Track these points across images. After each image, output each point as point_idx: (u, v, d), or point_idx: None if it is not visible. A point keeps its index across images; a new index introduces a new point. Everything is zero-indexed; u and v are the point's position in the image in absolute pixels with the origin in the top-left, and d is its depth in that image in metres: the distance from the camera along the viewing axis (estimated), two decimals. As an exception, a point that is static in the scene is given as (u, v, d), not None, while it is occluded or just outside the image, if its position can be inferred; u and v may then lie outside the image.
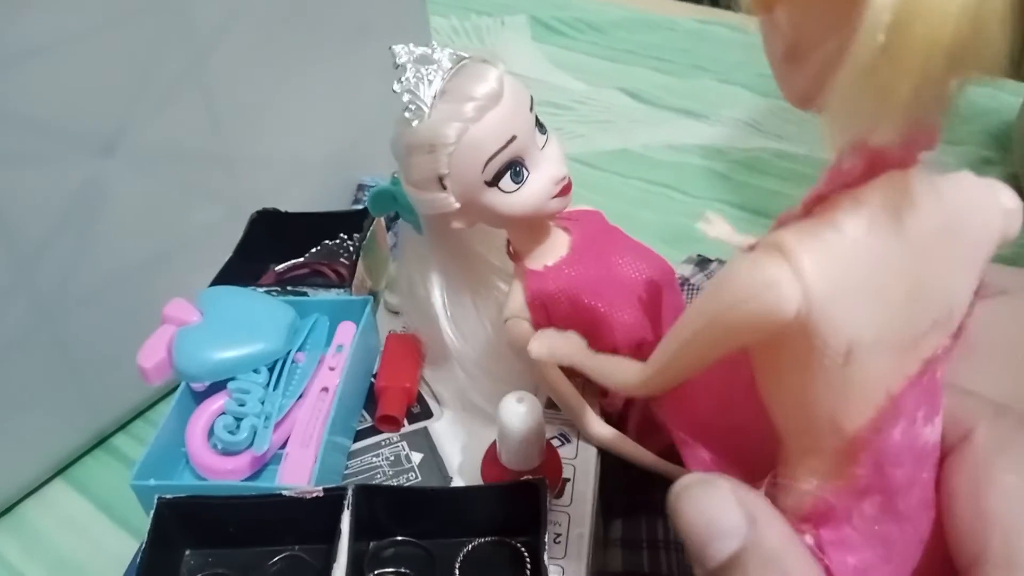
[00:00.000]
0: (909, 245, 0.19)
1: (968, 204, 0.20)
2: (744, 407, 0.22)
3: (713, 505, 0.20)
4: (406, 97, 0.32)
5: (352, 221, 0.50)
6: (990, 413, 0.22)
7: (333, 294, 0.44)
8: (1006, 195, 0.21)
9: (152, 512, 0.34)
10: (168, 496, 0.34)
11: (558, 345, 0.31)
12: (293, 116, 0.55)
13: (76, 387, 0.47)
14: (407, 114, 0.32)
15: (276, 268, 0.49)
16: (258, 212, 0.49)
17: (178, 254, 0.49)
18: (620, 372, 0.27)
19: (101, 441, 0.50)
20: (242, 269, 0.46)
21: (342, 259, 0.49)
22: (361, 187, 0.60)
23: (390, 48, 0.34)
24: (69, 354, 0.45)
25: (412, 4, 0.64)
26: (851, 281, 0.19)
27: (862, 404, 0.20)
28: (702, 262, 0.55)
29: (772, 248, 0.19)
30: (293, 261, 0.49)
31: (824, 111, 0.17)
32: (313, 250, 0.50)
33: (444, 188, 0.33)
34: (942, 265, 0.20)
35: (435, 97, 0.32)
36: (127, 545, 0.43)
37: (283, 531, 0.35)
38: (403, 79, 0.33)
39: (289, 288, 0.45)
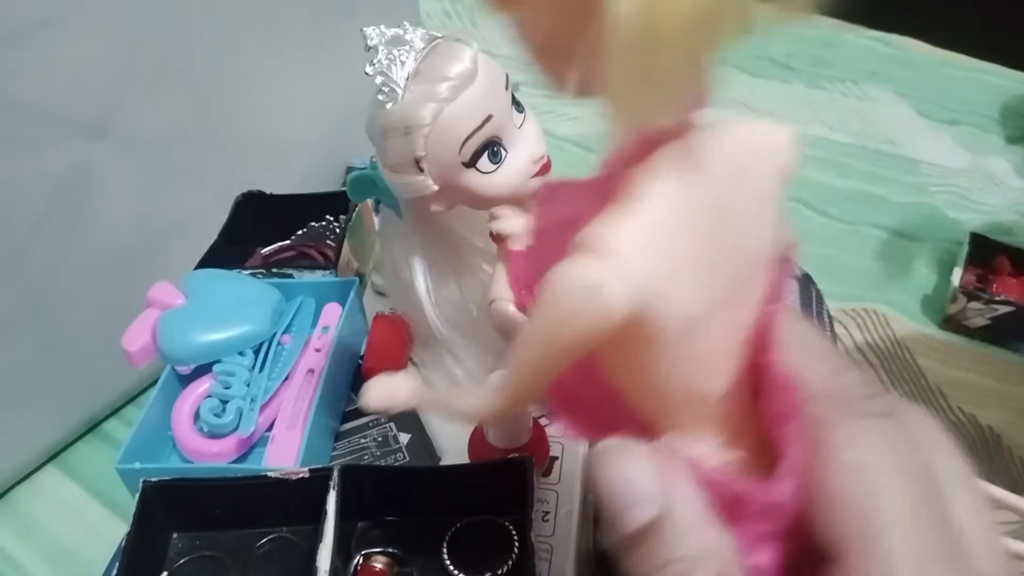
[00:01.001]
0: (708, 206, 0.19)
1: (747, 150, 0.20)
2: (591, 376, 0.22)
3: (630, 470, 0.20)
4: (379, 79, 0.32)
5: (338, 202, 0.49)
6: (823, 375, 0.21)
7: (318, 276, 0.44)
8: (776, 130, 0.20)
9: (137, 495, 0.33)
10: (153, 479, 0.34)
11: (397, 392, 0.27)
12: (282, 98, 0.55)
13: (67, 372, 0.46)
14: (380, 96, 0.32)
15: (262, 251, 0.49)
16: (243, 195, 0.49)
17: (167, 238, 0.49)
18: (466, 403, 0.25)
19: (93, 427, 0.50)
20: (228, 252, 0.46)
21: (328, 241, 0.48)
22: (351, 169, 0.59)
23: (361, 30, 0.33)
24: (59, 339, 0.45)
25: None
26: (667, 257, 0.18)
27: (716, 367, 0.20)
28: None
29: (584, 250, 0.18)
30: (279, 244, 0.49)
31: (603, 103, 0.17)
32: (299, 232, 0.50)
33: (421, 171, 0.33)
34: (740, 216, 0.19)
35: (408, 78, 0.32)
36: (119, 530, 0.42)
37: (270, 513, 0.35)
38: (375, 61, 0.32)
39: (274, 271, 0.44)
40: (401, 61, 0.32)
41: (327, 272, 0.44)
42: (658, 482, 0.19)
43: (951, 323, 0.51)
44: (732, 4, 0.15)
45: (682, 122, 0.18)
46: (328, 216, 0.50)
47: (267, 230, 0.49)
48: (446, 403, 0.27)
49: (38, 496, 0.46)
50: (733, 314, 0.20)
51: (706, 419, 0.21)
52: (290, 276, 0.44)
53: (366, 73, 0.32)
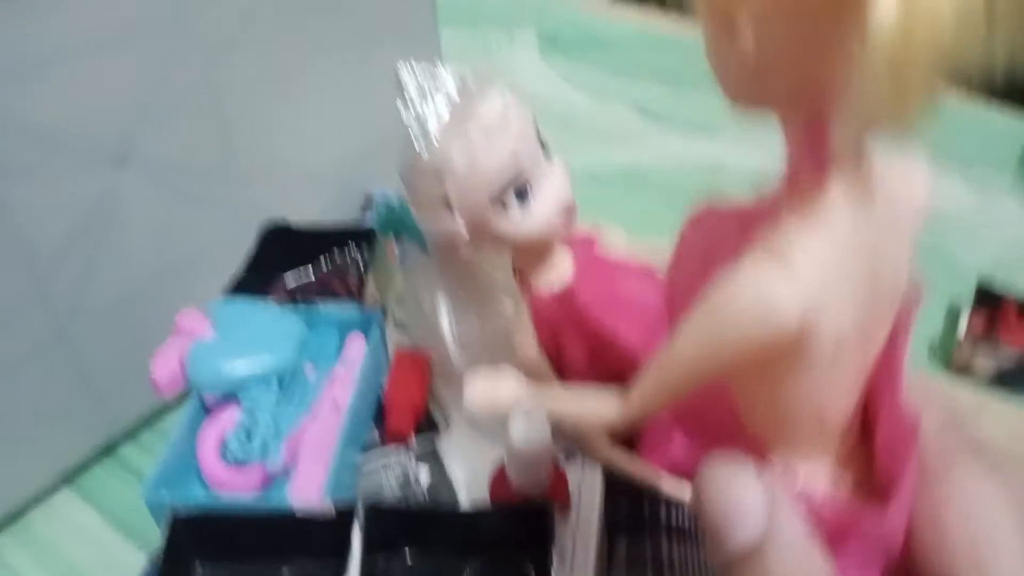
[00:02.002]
0: (866, 233, 0.19)
1: (900, 184, 0.20)
2: (708, 397, 0.22)
3: (740, 489, 0.20)
4: (411, 121, 0.33)
5: (361, 235, 0.50)
6: (936, 428, 0.22)
7: (342, 307, 0.44)
8: (921, 169, 0.21)
9: (166, 525, 0.34)
10: (182, 510, 0.34)
11: (499, 394, 0.29)
12: (302, 127, 0.56)
13: (87, 396, 0.47)
14: (412, 138, 0.33)
15: (287, 283, 0.49)
16: (268, 225, 0.49)
17: (189, 265, 0.50)
18: (596, 406, 0.25)
19: (109, 450, 0.50)
20: (252, 282, 0.47)
21: (351, 272, 0.49)
22: (369, 198, 0.60)
23: (395, 69, 0.34)
24: (80, 364, 0.46)
25: (422, 16, 0.64)
26: (831, 277, 0.19)
27: (844, 396, 0.21)
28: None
29: (763, 259, 0.19)
30: (304, 276, 0.50)
31: (838, 111, 0.17)
32: (323, 263, 0.50)
33: (451, 211, 0.33)
34: (890, 246, 0.20)
35: (440, 121, 0.33)
36: (134, 555, 0.43)
37: (294, 546, 0.35)
38: (408, 101, 0.33)
39: (301, 302, 0.45)
40: (434, 102, 0.33)
41: (350, 305, 0.45)
42: (765, 504, 0.19)
43: (958, 370, 0.51)
44: (967, 37, 0.16)
45: (862, 152, 0.19)
46: (352, 248, 0.50)
47: (291, 260, 0.50)
48: (561, 409, 0.27)
49: (53, 519, 0.47)
50: (869, 345, 0.21)
51: (821, 444, 0.21)
52: (314, 306, 0.45)
53: (398, 114, 0.33)
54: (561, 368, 0.38)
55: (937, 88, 0.16)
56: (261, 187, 0.53)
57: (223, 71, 0.48)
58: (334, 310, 0.45)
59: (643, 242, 0.40)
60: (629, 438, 0.39)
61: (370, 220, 0.57)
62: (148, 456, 0.49)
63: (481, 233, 0.34)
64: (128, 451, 0.50)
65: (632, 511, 0.39)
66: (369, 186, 0.61)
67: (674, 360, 0.21)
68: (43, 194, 0.41)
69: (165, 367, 0.38)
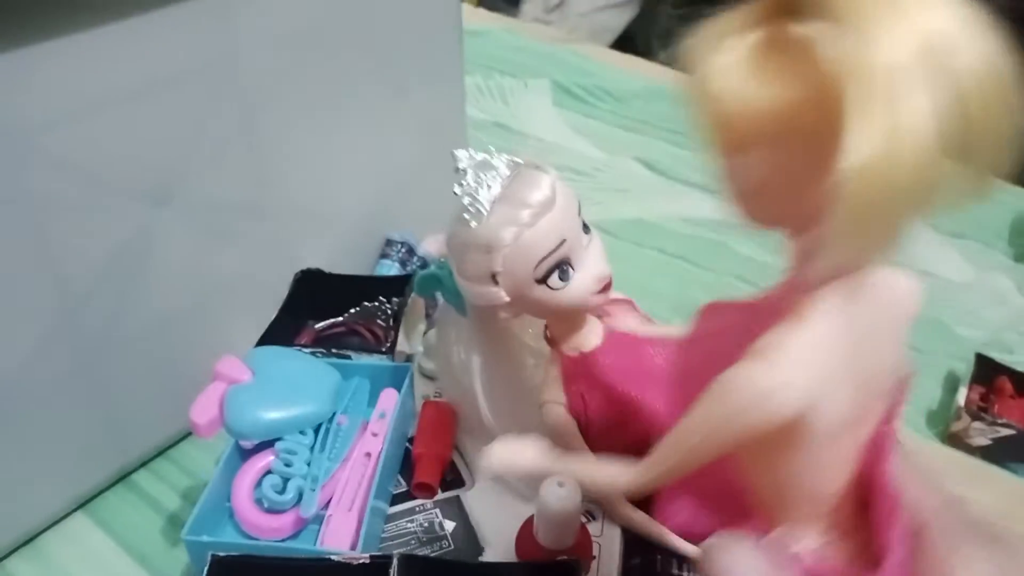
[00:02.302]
0: (857, 334, 0.22)
1: (890, 291, 0.23)
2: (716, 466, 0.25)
3: (740, 560, 0.23)
4: (467, 200, 0.35)
5: (391, 285, 0.52)
6: (939, 505, 0.25)
7: (375, 358, 0.46)
8: (909, 280, 0.24)
9: (206, 569, 0.35)
10: (222, 554, 0.35)
11: (519, 459, 0.32)
12: (330, 173, 0.57)
13: (107, 425, 0.48)
14: (467, 215, 0.35)
15: (315, 326, 0.51)
16: (302, 272, 0.51)
17: (212, 301, 0.51)
18: (604, 475, 0.29)
19: (122, 477, 0.51)
20: (284, 325, 0.48)
21: (379, 320, 0.50)
22: (389, 242, 0.62)
23: (452, 153, 0.36)
24: (104, 394, 0.47)
25: (450, 67, 0.66)
26: (826, 374, 0.22)
27: (838, 474, 0.24)
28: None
29: (762, 357, 0.21)
30: (332, 320, 0.51)
31: (797, 248, 0.20)
32: (352, 310, 0.52)
33: (496, 283, 0.35)
34: (879, 345, 0.23)
35: (493, 202, 0.34)
36: None
37: (327, 592, 0.36)
38: (464, 182, 0.35)
39: (334, 351, 0.46)
40: (488, 185, 0.35)
41: (381, 354, 0.46)
42: (762, 570, 0.23)
43: (954, 440, 0.53)
44: (933, 184, 0.19)
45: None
46: (381, 297, 0.52)
47: (321, 306, 0.51)
48: (579, 474, 0.30)
49: (67, 543, 0.47)
50: (861, 428, 0.24)
51: (819, 517, 0.24)
52: (348, 357, 0.46)
53: (454, 193, 0.35)
54: (587, 429, 0.39)
55: (901, 226, 0.19)
56: (289, 228, 0.54)
57: (258, 120, 0.50)
58: (367, 362, 0.46)
59: (656, 325, 0.42)
60: (645, 501, 0.41)
61: (388, 264, 0.59)
62: (161, 484, 0.50)
63: (521, 302, 0.36)
64: (141, 478, 0.51)
65: (648, 567, 0.40)
66: (388, 231, 0.63)
67: (682, 441, 0.24)
68: (80, 230, 0.42)
69: (205, 412, 0.40)
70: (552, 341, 0.39)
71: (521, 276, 0.35)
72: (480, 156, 0.35)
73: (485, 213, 0.34)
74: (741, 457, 0.25)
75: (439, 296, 0.45)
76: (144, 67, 0.42)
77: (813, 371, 0.21)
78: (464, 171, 0.35)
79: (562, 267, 0.35)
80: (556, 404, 0.39)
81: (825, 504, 0.24)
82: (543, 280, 0.35)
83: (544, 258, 0.34)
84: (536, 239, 0.34)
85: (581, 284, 0.36)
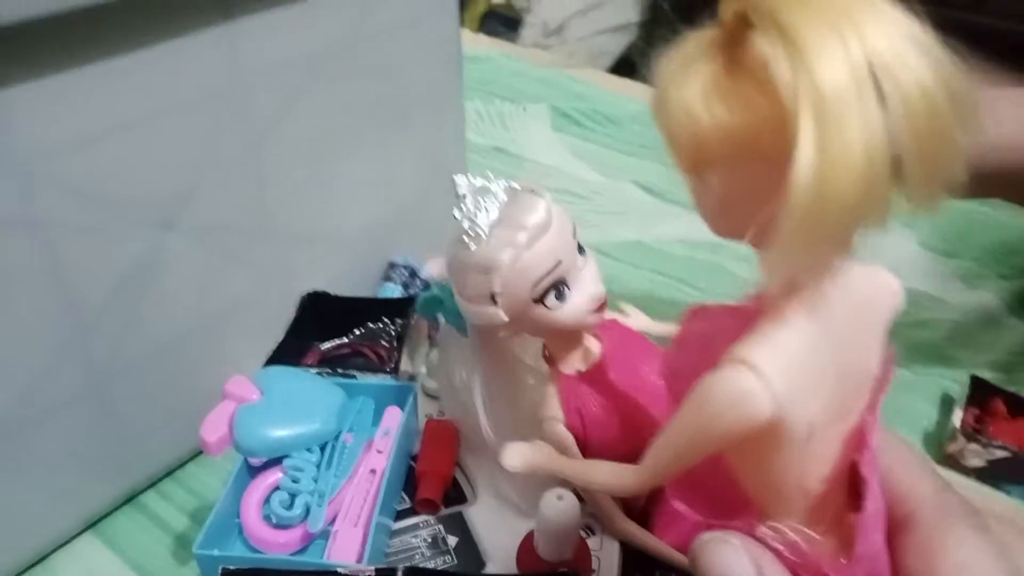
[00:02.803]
0: (833, 334, 0.23)
1: (866, 288, 0.25)
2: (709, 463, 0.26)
3: (727, 557, 0.24)
4: (466, 223, 0.36)
5: (395, 307, 0.53)
6: (931, 491, 0.26)
7: (379, 378, 0.47)
8: (890, 278, 0.25)
9: (216, 581, 0.36)
10: (232, 567, 0.36)
11: (531, 456, 0.34)
12: (334, 197, 0.58)
13: (115, 446, 0.48)
14: (466, 239, 0.36)
15: (321, 347, 0.52)
16: (308, 294, 0.52)
17: (219, 323, 0.52)
18: (606, 475, 0.30)
19: (131, 498, 0.51)
20: (290, 346, 0.49)
21: (383, 341, 0.52)
22: (392, 265, 0.63)
23: (452, 179, 0.37)
24: (113, 416, 0.47)
25: (451, 94, 0.68)
26: (801, 376, 0.23)
27: (822, 468, 0.24)
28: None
29: (737, 363, 0.22)
30: (337, 341, 0.52)
31: (762, 258, 0.21)
32: (357, 332, 0.53)
33: (495, 303, 0.36)
34: (858, 343, 0.24)
35: (492, 225, 0.36)
36: None
37: (335, 605, 0.37)
38: (463, 207, 0.36)
39: (339, 371, 0.47)
40: (487, 209, 0.36)
41: (385, 373, 0.47)
42: (751, 567, 0.24)
43: (949, 461, 0.54)
44: (880, 199, 0.20)
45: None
46: (385, 318, 0.53)
47: (326, 327, 0.52)
48: (581, 475, 0.32)
49: (75, 563, 0.48)
50: (845, 422, 0.25)
51: (806, 509, 0.25)
52: (353, 376, 0.47)
53: (454, 217, 0.36)
54: (585, 447, 0.40)
55: (848, 239, 0.20)
56: (294, 251, 0.56)
57: (263, 148, 0.51)
58: (372, 382, 0.47)
59: (664, 324, 0.43)
60: (643, 516, 0.42)
61: (391, 287, 0.60)
62: (169, 505, 0.51)
63: (520, 322, 0.37)
64: (150, 499, 0.52)
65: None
66: (391, 253, 0.64)
67: (671, 444, 0.25)
68: (91, 251, 0.43)
69: (215, 430, 0.41)
70: (550, 360, 0.40)
71: (519, 296, 0.36)
72: (479, 182, 0.37)
73: (484, 236, 0.35)
74: (729, 456, 0.26)
75: (440, 317, 0.46)
76: (152, 96, 0.44)
77: (787, 374, 0.22)
78: (464, 196, 0.36)
79: (558, 287, 0.36)
80: (555, 420, 0.40)
81: (811, 498, 0.25)
82: (540, 300, 0.36)
83: (541, 278, 0.36)
84: (533, 260, 0.35)
85: (577, 303, 0.37)
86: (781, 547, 0.25)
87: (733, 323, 0.25)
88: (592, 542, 0.41)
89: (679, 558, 0.39)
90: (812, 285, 0.23)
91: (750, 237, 0.23)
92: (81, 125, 0.41)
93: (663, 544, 0.40)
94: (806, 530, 0.25)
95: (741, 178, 0.22)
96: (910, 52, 0.19)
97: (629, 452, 0.37)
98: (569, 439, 0.40)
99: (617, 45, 2.10)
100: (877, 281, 0.25)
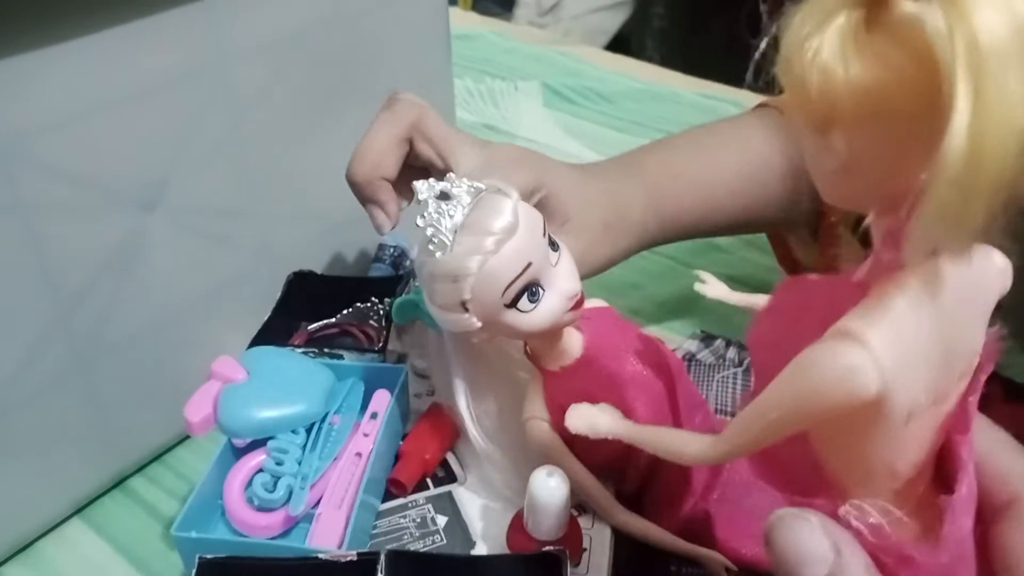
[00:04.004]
0: (941, 315, 0.22)
1: (975, 270, 0.23)
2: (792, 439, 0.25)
3: (804, 535, 0.23)
4: (429, 231, 0.35)
5: (382, 286, 0.52)
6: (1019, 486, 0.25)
7: (367, 359, 0.46)
8: (998, 257, 0.24)
9: (194, 572, 0.35)
10: (209, 556, 0.36)
11: (599, 421, 0.34)
12: (321, 177, 0.57)
13: (101, 429, 0.48)
14: (431, 246, 0.35)
15: (308, 327, 0.51)
16: (295, 273, 0.51)
17: (205, 305, 0.51)
18: (680, 444, 0.29)
19: (119, 482, 0.51)
20: (277, 326, 0.48)
21: (371, 321, 0.51)
22: (381, 246, 0.62)
23: (412, 185, 0.36)
24: (98, 398, 0.47)
25: (439, 71, 0.67)
26: (909, 356, 0.22)
27: (916, 452, 0.24)
28: (707, 338, 0.58)
29: (846, 336, 0.21)
30: (325, 321, 0.51)
31: (913, 220, 0.20)
32: (345, 311, 0.52)
33: (466, 311, 0.35)
34: (963, 325, 0.23)
35: (456, 231, 0.34)
36: None
37: (316, 590, 0.37)
38: (425, 214, 0.35)
39: (326, 351, 0.47)
40: (450, 215, 0.35)
41: (374, 354, 0.47)
42: (829, 545, 0.23)
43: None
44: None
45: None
46: (373, 298, 0.52)
47: (314, 307, 0.52)
48: (653, 442, 0.31)
49: (63, 548, 0.47)
50: (943, 406, 0.24)
51: (893, 492, 0.24)
52: (340, 357, 0.47)
53: (417, 225, 0.35)
54: (572, 442, 0.39)
55: (1000, 208, 0.19)
56: (280, 233, 0.55)
57: (249, 125, 0.50)
58: (360, 363, 0.47)
59: (742, 294, 0.42)
60: (635, 499, 0.41)
61: (381, 267, 0.60)
62: (156, 489, 0.51)
63: (494, 327, 0.36)
64: (137, 483, 0.51)
65: (641, 566, 0.41)
66: (379, 236, 0.64)
67: (762, 415, 0.24)
68: (73, 233, 0.43)
69: (199, 410, 0.40)
70: (532, 357, 0.39)
71: (490, 302, 0.35)
72: (440, 185, 0.36)
73: (449, 243, 0.34)
74: (816, 434, 0.25)
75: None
76: (134, 74, 0.43)
77: (896, 351, 0.21)
78: (425, 202, 0.35)
79: (531, 289, 0.35)
80: (539, 420, 0.39)
81: (900, 481, 0.24)
82: (513, 304, 0.35)
83: (511, 283, 0.34)
84: (502, 265, 0.34)
85: (552, 304, 0.36)
86: (863, 528, 0.24)
87: (829, 296, 0.24)
88: (583, 521, 0.41)
89: (685, 547, 0.38)
90: (928, 262, 0.21)
91: (873, 205, 0.22)
92: (59, 105, 0.40)
93: (665, 533, 0.39)
94: (893, 509, 0.24)
95: (870, 140, 0.20)
96: None
97: (618, 448, 0.37)
98: (554, 439, 0.39)
99: (612, 23, 2.08)
100: (986, 260, 0.24)
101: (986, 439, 0.25)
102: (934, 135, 0.18)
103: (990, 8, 0.17)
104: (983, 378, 0.24)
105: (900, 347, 0.21)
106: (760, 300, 0.39)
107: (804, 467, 0.26)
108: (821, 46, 0.20)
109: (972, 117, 0.17)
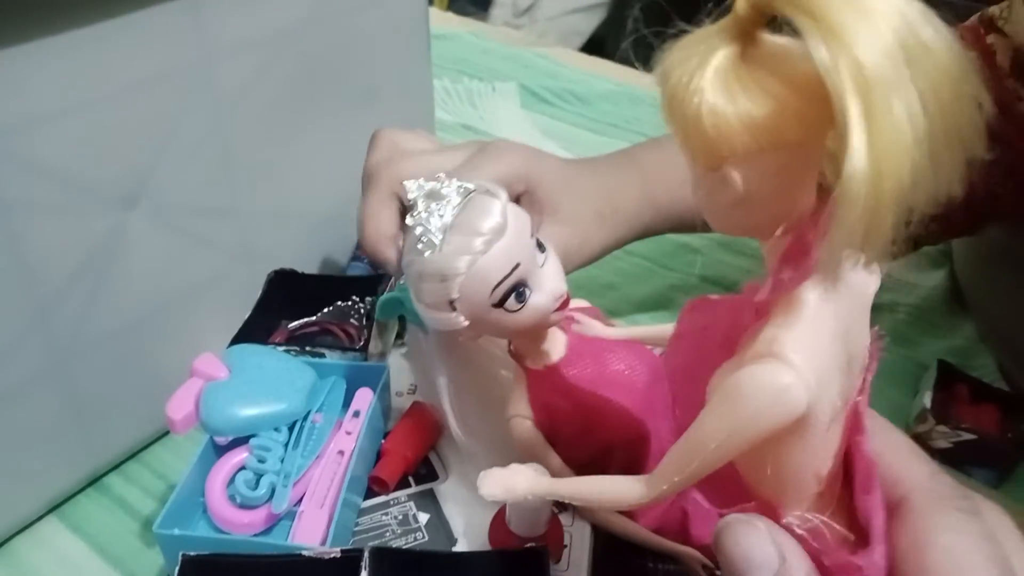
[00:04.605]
0: (840, 321, 0.23)
1: (856, 273, 0.24)
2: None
3: (752, 540, 0.24)
4: (418, 230, 0.35)
5: (363, 285, 0.52)
6: (925, 475, 0.26)
7: (349, 357, 0.47)
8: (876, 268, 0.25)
9: (176, 569, 0.35)
10: (192, 553, 0.36)
11: (515, 483, 0.32)
12: (302, 176, 0.58)
13: (78, 427, 0.48)
14: (420, 246, 0.35)
15: (289, 325, 0.51)
16: (275, 272, 0.51)
17: (185, 303, 0.51)
18: (614, 491, 0.28)
19: (94, 480, 0.51)
20: (258, 325, 0.48)
21: (352, 320, 0.51)
22: (360, 245, 0.62)
23: (401, 184, 0.36)
24: (76, 396, 0.47)
25: (419, 71, 0.67)
26: (824, 365, 0.22)
27: (830, 456, 0.24)
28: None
29: (768, 358, 0.22)
30: (305, 319, 0.51)
31: (823, 245, 0.21)
32: (325, 310, 0.52)
33: (454, 309, 0.35)
34: (856, 326, 0.24)
35: (445, 231, 0.35)
36: None
37: (301, 587, 0.37)
38: (415, 213, 0.35)
39: (308, 349, 0.47)
40: (439, 215, 0.35)
41: (355, 352, 0.47)
42: (775, 551, 0.23)
43: (916, 440, 0.54)
44: (926, 189, 0.19)
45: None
46: (354, 296, 0.52)
47: (295, 306, 0.52)
48: (580, 492, 0.30)
49: (38, 547, 0.47)
50: (846, 409, 0.24)
51: (817, 496, 0.25)
52: (322, 355, 0.47)
53: (406, 224, 0.35)
54: (555, 441, 0.40)
55: (903, 222, 0.20)
56: (261, 231, 0.55)
57: (230, 123, 0.50)
58: (343, 362, 0.47)
59: (618, 328, 0.42)
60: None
61: (360, 266, 0.60)
62: (133, 487, 0.50)
63: (481, 326, 0.36)
64: (113, 482, 0.51)
65: (620, 563, 0.41)
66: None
67: (698, 449, 0.24)
68: (51, 230, 0.42)
69: (181, 408, 0.40)
70: (516, 356, 0.40)
71: (478, 302, 0.35)
72: (430, 185, 0.36)
73: (438, 243, 0.34)
74: (741, 459, 0.25)
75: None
76: (116, 70, 0.43)
77: (815, 364, 0.22)
78: (414, 201, 0.35)
79: (518, 289, 0.35)
80: (523, 418, 0.39)
81: (824, 484, 0.25)
82: (500, 304, 0.35)
83: (499, 283, 0.35)
84: (490, 266, 0.34)
85: (538, 304, 0.36)
86: (806, 535, 0.24)
87: (730, 315, 0.24)
88: (564, 518, 0.41)
89: (663, 544, 0.39)
90: (822, 277, 0.22)
91: (764, 231, 0.23)
92: (39, 101, 0.40)
93: (643, 530, 0.39)
94: (824, 518, 0.25)
95: (764, 171, 0.21)
96: (922, 25, 0.19)
97: (597, 444, 0.37)
98: (537, 436, 0.39)
99: (588, 25, 2.09)
100: (868, 274, 0.25)
101: (881, 440, 0.26)
102: (822, 160, 0.20)
103: (867, 36, 0.18)
104: (870, 378, 0.25)
105: (817, 359, 0.22)
106: (638, 331, 0.40)
107: (735, 481, 0.27)
108: (704, 87, 0.21)
109: (868, 140, 0.18)
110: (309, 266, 0.59)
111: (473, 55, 1.08)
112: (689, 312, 0.29)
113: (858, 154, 0.18)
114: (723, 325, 0.24)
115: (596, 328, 0.40)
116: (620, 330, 0.41)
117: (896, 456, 0.26)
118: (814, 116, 0.19)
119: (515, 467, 0.32)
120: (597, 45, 1.98)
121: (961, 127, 0.19)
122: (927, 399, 0.54)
